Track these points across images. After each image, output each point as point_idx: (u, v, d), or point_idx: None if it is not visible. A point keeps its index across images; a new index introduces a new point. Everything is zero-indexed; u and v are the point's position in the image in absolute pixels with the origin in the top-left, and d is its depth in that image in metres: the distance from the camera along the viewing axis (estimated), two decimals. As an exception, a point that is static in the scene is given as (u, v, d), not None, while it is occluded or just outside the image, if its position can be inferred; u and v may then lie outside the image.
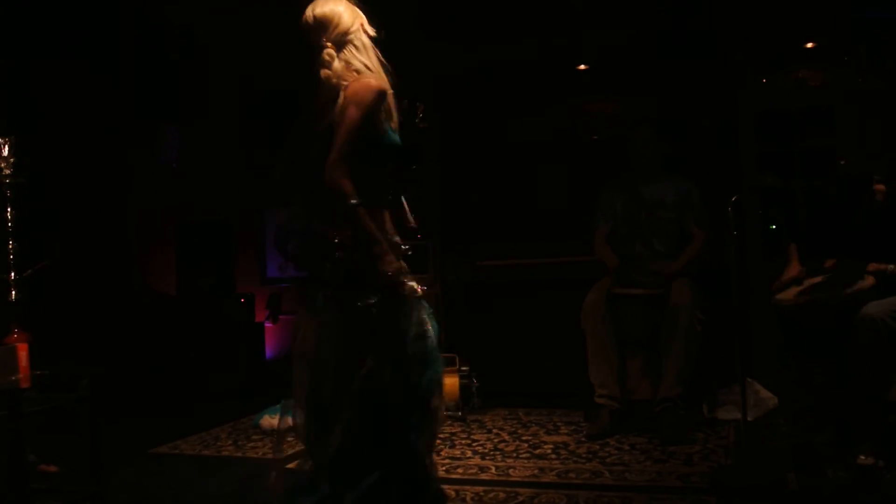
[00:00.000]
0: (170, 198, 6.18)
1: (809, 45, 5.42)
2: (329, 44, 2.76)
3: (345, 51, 2.78)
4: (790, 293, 3.81)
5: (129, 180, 5.88)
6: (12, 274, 3.47)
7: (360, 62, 2.78)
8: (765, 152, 5.51)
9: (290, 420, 2.78)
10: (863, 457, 3.38)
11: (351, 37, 2.80)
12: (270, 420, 4.95)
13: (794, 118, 5.49)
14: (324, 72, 2.75)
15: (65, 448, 3.88)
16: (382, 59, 2.85)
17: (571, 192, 5.85)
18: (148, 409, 5.52)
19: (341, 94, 2.68)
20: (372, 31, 2.86)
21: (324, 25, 2.78)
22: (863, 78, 5.19)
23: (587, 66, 6.01)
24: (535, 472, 3.82)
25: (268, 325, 6.54)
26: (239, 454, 4.47)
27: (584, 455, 4.09)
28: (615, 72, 5.83)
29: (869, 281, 3.58)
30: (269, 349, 6.52)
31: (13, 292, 3.48)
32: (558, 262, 5.43)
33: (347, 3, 2.83)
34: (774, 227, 5.58)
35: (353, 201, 2.55)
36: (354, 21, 2.81)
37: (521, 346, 5.42)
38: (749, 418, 3.93)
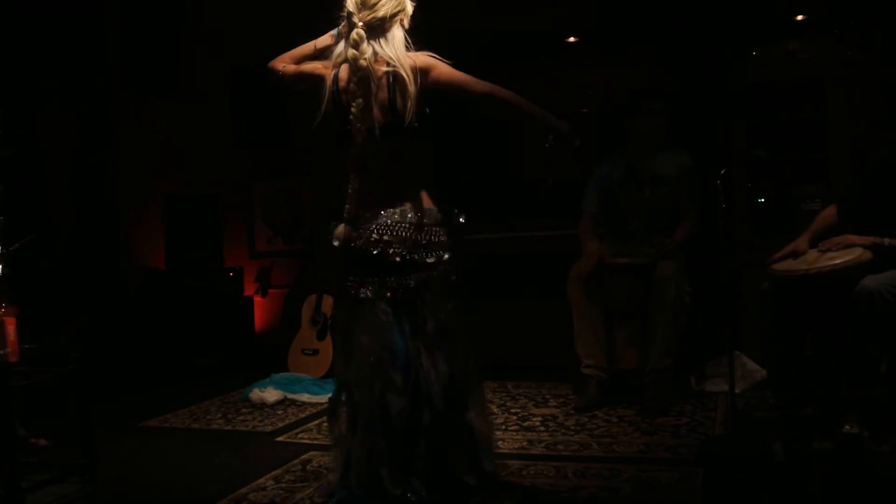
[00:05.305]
0: (157, 170, 6.15)
1: (799, 17, 5.41)
2: (361, 24, 2.74)
3: (379, 38, 2.77)
4: (788, 264, 3.80)
5: (116, 153, 5.84)
6: (-1, 248, 3.45)
7: (388, 53, 2.76)
8: (753, 125, 5.51)
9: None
10: (848, 426, 3.42)
11: (387, 25, 2.78)
12: (260, 394, 4.97)
13: (784, 91, 5.48)
14: (351, 52, 2.74)
15: (54, 422, 3.89)
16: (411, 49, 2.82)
17: (560, 165, 5.83)
18: (137, 383, 5.51)
19: (407, 76, 2.72)
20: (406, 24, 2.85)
21: (365, 4, 2.75)
22: (852, 50, 5.19)
23: (576, 38, 5.97)
24: (524, 444, 3.84)
25: (257, 298, 6.54)
26: (228, 427, 4.48)
27: (572, 427, 4.11)
28: (604, 44, 5.79)
29: (867, 254, 3.57)
30: (258, 323, 6.52)
31: (0, 266, 3.47)
32: (546, 236, 5.42)
33: None
34: (762, 199, 5.59)
35: None
36: (396, 11, 2.79)
37: (509, 320, 5.43)
38: (736, 390, 3.95)
